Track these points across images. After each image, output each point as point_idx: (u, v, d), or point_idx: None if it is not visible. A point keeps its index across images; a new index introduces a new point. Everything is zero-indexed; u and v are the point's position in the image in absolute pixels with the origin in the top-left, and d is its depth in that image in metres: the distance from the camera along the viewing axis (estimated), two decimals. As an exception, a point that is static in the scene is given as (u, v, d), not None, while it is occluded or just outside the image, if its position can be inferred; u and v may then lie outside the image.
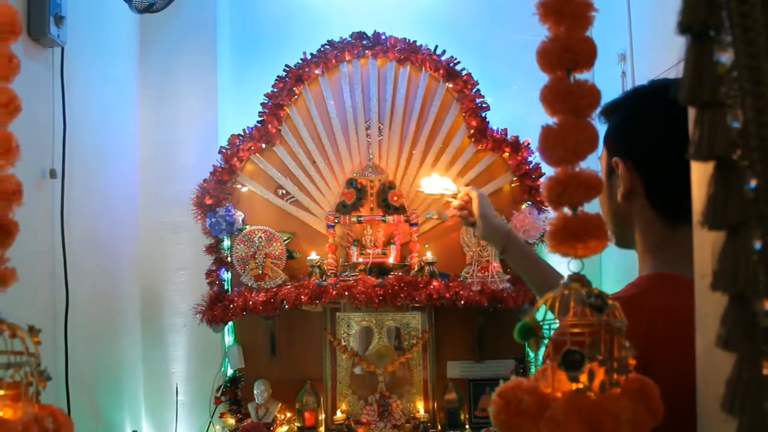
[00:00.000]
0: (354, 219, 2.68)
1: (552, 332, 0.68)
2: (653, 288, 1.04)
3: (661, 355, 0.92)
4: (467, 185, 2.79)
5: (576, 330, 0.66)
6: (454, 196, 2.07)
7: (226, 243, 2.75)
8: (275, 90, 2.79)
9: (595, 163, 1.05)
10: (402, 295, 2.50)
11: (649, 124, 1.10)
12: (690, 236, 0.98)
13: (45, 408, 0.66)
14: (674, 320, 0.95)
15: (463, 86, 2.77)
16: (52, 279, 2.09)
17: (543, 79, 0.70)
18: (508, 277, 2.68)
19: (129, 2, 2.49)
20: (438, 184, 2.23)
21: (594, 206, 0.76)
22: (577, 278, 0.68)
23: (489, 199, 2.01)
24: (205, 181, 2.72)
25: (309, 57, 2.80)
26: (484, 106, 2.77)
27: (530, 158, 2.74)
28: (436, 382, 2.71)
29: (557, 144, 0.66)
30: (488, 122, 2.77)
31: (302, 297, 2.51)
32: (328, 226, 2.70)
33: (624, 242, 1.18)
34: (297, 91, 2.81)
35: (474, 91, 2.77)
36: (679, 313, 0.94)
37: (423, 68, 2.80)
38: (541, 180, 2.72)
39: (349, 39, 2.81)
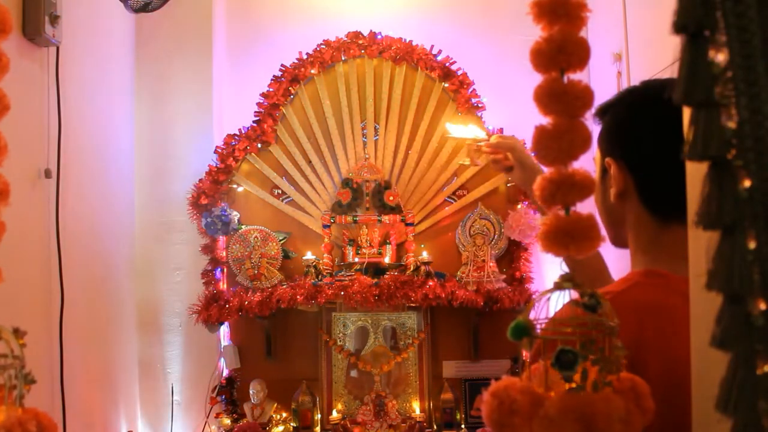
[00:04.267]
0: (350, 219, 2.67)
1: (544, 331, 0.68)
2: (643, 283, 1.05)
3: (649, 350, 0.93)
4: (463, 184, 2.80)
5: (568, 330, 0.66)
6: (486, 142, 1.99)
7: (222, 242, 2.75)
8: (271, 89, 2.79)
9: (588, 163, 1.06)
10: (398, 295, 2.50)
11: (641, 124, 1.10)
12: (681, 235, 1.02)
13: (29, 411, 0.66)
14: (663, 316, 0.96)
15: (459, 86, 2.77)
16: (47, 279, 2.09)
17: (537, 78, 0.70)
18: (504, 276, 2.68)
19: (125, 1, 2.48)
20: (466, 129, 2.15)
21: (589, 206, 0.76)
22: (569, 278, 0.68)
23: (524, 150, 1.92)
24: (200, 180, 2.72)
25: (305, 56, 2.80)
26: (480, 106, 2.78)
27: (526, 158, 2.74)
28: (432, 381, 2.71)
29: (551, 144, 0.66)
30: (484, 122, 2.77)
31: (298, 297, 2.51)
32: (324, 226, 2.69)
33: (619, 242, 1.19)
34: (293, 91, 2.81)
35: (470, 90, 2.77)
36: (667, 309, 0.95)
37: (419, 68, 2.81)
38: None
39: (345, 38, 2.81)
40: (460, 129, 2.17)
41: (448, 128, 2.23)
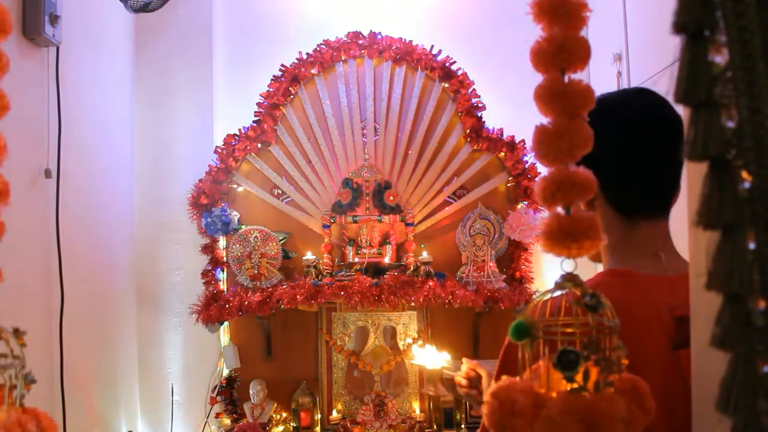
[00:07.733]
0: (350, 219, 2.67)
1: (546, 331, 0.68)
2: (607, 283, 1.08)
3: None
4: (463, 186, 2.80)
5: (569, 330, 0.66)
6: (457, 370, 1.76)
7: (222, 242, 2.75)
8: (271, 90, 2.79)
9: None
10: (398, 295, 2.50)
11: (596, 128, 1.12)
12: (648, 230, 1.09)
13: (29, 411, 0.66)
14: (623, 313, 0.98)
15: (458, 86, 2.77)
16: (48, 279, 2.09)
17: (538, 78, 0.70)
18: (504, 276, 2.68)
19: (124, 1, 2.49)
20: (434, 357, 1.94)
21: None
22: (571, 278, 0.68)
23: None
24: (200, 180, 2.72)
25: (305, 57, 2.80)
26: (479, 105, 2.78)
27: (526, 158, 2.74)
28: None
29: (551, 144, 0.66)
30: (484, 122, 2.77)
31: (298, 297, 2.51)
32: (324, 226, 2.69)
33: (594, 255, 1.20)
34: (293, 91, 2.81)
35: (470, 90, 2.77)
36: (628, 306, 0.97)
37: (419, 68, 2.80)
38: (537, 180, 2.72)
39: (345, 39, 2.81)
40: (427, 357, 1.94)
41: (414, 353, 2.03)
